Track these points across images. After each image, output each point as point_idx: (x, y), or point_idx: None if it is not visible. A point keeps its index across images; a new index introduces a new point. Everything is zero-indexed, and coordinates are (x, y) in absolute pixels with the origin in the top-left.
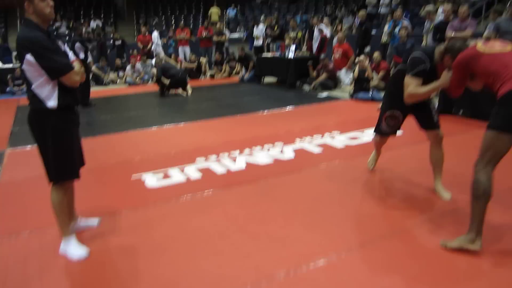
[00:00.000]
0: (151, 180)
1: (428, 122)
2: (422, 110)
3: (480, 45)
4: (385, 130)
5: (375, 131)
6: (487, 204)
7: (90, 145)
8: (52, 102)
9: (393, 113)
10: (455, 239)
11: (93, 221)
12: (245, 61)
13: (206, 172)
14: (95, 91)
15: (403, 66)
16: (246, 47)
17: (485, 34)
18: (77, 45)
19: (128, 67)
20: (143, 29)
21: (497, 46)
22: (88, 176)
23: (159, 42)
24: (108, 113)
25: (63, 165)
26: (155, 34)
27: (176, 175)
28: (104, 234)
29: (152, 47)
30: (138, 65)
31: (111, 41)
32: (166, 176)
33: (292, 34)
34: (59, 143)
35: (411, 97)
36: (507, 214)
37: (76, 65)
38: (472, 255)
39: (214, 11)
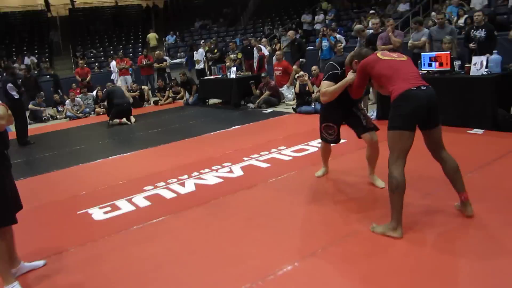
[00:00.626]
0: (98, 213)
1: (359, 128)
2: (352, 119)
3: (379, 53)
4: (327, 138)
5: (321, 139)
6: (403, 195)
7: (30, 185)
8: None
9: (328, 124)
10: (382, 225)
11: (38, 264)
12: (187, 85)
13: (156, 199)
14: (34, 128)
15: None
16: (187, 71)
17: (421, 41)
18: (9, 85)
19: (68, 101)
20: (80, 62)
21: (394, 55)
22: (30, 217)
23: (116, 69)
24: (49, 149)
25: None
26: (113, 63)
27: (124, 206)
28: (51, 275)
29: (112, 76)
30: (78, 98)
31: (48, 77)
32: (114, 208)
33: (232, 56)
34: None
35: (324, 95)
36: (425, 200)
37: (1, 110)
38: (420, 249)
39: (152, 36)
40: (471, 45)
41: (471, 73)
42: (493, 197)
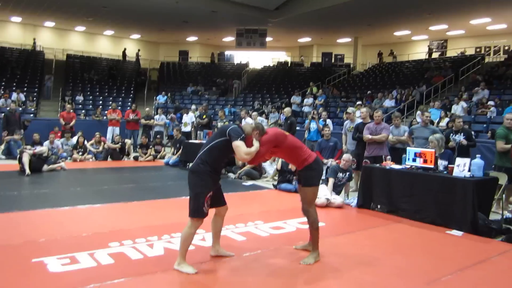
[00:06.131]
0: (55, 265)
1: (223, 199)
2: (219, 189)
3: (277, 128)
4: (206, 211)
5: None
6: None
7: None
8: None
9: (211, 194)
10: (308, 257)
11: None
12: (178, 144)
13: (120, 257)
14: (6, 165)
15: None
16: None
17: (406, 136)
18: None
19: (46, 143)
20: (68, 106)
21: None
22: None
23: None
24: (15, 188)
25: None
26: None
27: (85, 260)
28: None
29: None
30: (58, 141)
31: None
32: (73, 261)
33: (219, 123)
34: None
35: (249, 154)
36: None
37: None
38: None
39: None
40: (449, 144)
41: (454, 174)
42: None
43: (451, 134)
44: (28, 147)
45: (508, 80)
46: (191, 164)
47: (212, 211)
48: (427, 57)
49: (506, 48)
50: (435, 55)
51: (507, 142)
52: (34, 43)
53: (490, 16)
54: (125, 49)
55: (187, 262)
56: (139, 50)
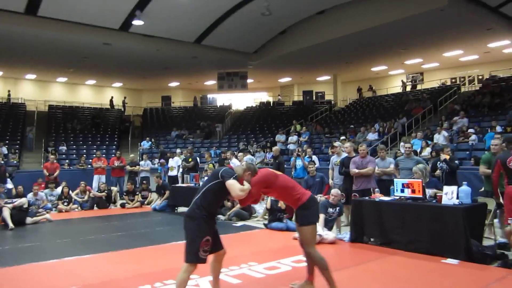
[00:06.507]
0: None
1: (220, 243)
2: (216, 234)
3: (269, 169)
4: (203, 257)
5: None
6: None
7: None
8: None
9: (208, 239)
10: None
11: None
12: (162, 190)
13: None
14: None
15: None
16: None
17: (391, 168)
18: None
19: (30, 195)
20: (51, 156)
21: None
22: None
23: None
24: (0, 243)
25: None
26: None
27: None
28: None
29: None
30: (42, 193)
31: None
32: None
33: (205, 166)
34: None
35: (244, 191)
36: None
37: None
38: None
39: None
40: (436, 173)
41: (443, 202)
42: None
43: (438, 163)
44: (5, 200)
45: (485, 107)
46: (179, 209)
47: (210, 257)
48: (401, 90)
49: (480, 77)
50: (412, 87)
51: (489, 167)
52: (9, 95)
53: (461, 48)
54: (112, 97)
55: None
56: (125, 97)
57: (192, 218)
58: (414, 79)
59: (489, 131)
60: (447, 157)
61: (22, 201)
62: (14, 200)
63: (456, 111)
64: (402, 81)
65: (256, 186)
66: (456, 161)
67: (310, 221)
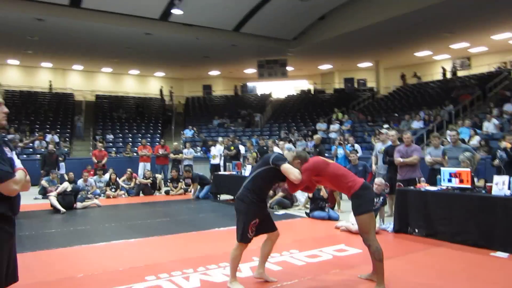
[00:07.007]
0: None
1: (272, 225)
2: (267, 216)
3: (321, 157)
4: (250, 236)
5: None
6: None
7: (28, 261)
8: None
9: (256, 221)
10: None
11: None
12: (196, 181)
13: None
14: (41, 204)
15: None
16: (202, 165)
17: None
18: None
19: (80, 181)
20: (99, 144)
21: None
22: None
23: None
24: (53, 226)
25: None
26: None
27: None
28: None
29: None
30: (91, 179)
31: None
32: None
33: (248, 154)
34: None
35: (299, 180)
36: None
37: (19, 174)
38: None
39: None
40: (495, 162)
41: (493, 193)
42: None
43: (498, 151)
44: (50, 189)
45: None
46: (222, 196)
47: (263, 236)
48: (444, 77)
49: None
50: (453, 74)
51: None
52: (50, 85)
53: (511, 31)
54: (162, 87)
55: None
56: (171, 87)
57: (242, 201)
58: (454, 67)
59: None
60: (509, 146)
61: (64, 185)
62: (57, 185)
63: (507, 97)
64: (442, 67)
65: (306, 173)
66: None
67: (363, 210)
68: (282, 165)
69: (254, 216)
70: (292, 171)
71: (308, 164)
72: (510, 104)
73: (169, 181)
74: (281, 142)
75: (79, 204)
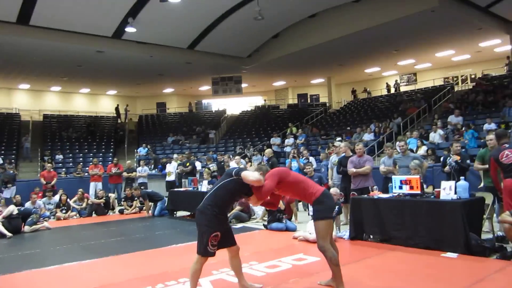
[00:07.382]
0: None
1: (232, 239)
2: (228, 230)
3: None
4: (211, 250)
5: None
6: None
7: None
8: None
9: (217, 234)
10: None
11: None
12: (146, 198)
13: None
14: None
15: None
16: (157, 183)
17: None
18: None
19: (28, 203)
20: (48, 165)
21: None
22: None
23: None
24: None
25: None
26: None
27: None
28: None
29: None
30: (40, 201)
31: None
32: None
33: (203, 170)
34: None
35: (259, 181)
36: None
37: None
38: None
39: None
40: (445, 169)
41: (441, 197)
42: None
43: (448, 158)
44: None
45: (479, 105)
46: (178, 213)
47: (225, 253)
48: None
49: (472, 76)
50: (396, 90)
51: (483, 162)
52: None
53: (453, 48)
54: (117, 105)
55: None
56: (127, 105)
57: (203, 213)
58: (397, 84)
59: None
60: (458, 158)
61: (10, 209)
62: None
63: (451, 109)
64: (386, 83)
65: (271, 178)
66: (468, 161)
67: (323, 216)
68: (242, 173)
69: (215, 228)
70: (251, 174)
71: (272, 171)
72: (453, 116)
73: (123, 199)
74: (237, 157)
75: (27, 228)
